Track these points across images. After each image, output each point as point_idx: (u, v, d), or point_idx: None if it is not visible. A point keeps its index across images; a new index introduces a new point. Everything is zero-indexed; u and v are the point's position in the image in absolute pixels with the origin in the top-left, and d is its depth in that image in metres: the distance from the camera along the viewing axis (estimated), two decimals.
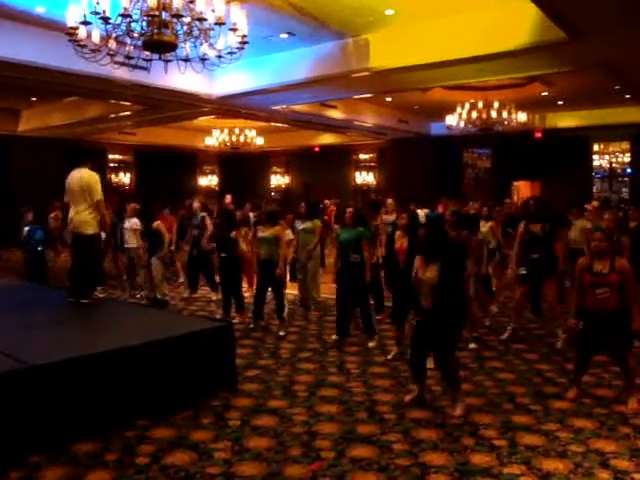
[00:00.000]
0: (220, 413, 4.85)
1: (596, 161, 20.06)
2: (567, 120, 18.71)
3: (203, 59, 7.18)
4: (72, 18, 6.76)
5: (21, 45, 9.54)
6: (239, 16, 6.90)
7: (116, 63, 10.25)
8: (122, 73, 10.71)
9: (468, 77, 11.60)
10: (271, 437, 4.41)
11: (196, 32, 6.94)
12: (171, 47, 7.07)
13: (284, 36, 10.41)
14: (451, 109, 16.18)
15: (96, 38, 7.13)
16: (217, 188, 25.72)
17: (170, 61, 7.49)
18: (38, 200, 16.01)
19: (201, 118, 18.22)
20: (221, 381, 5.04)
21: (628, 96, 15.62)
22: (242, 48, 7.05)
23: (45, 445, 4.05)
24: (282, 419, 4.74)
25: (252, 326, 7.86)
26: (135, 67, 10.55)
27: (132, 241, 10.11)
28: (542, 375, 5.88)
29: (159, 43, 6.93)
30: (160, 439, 4.35)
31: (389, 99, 16.66)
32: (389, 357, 6.47)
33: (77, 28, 6.76)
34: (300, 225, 9.34)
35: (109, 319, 5.87)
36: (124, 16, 6.38)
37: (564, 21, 7.87)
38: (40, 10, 9.12)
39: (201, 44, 7.05)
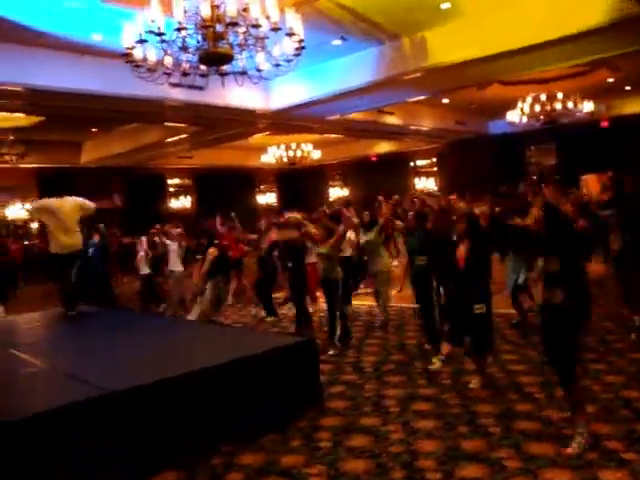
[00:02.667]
0: (309, 434, 4.50)
1: None
2: (635, 105, 17.76)
3: (259, 70, 6.98)
4: (128, 38, 6.69)
5: (80, 75, 9.66)
6: (294, 20, 6.69)
7: (172, 85, 10.64)
8: (178, 94, 10.83)
9: (532, 67, 11.08)
10: (368, 458, 4.03)
11: (251, 41, 6.82)
12: (227, 59, 6.92)
13: (337, 42, 10.19)
14: (511, 105, 15.62)
15: (152, 57, 7.06)
16: (276, 205, 25.69)
17: (226, 74, 7.35)
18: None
19: (256, 136, 18.25)
20: (307, 400, 4.71)
21: None
22: (299, 54, 6.84)
23: (128, 477, 3.81)
24: (377, 438, 4.36)
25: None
26: (190, 87, 10.81)
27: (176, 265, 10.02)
28: None
29: (215, 56, 6.80)
30: (248, 466, 4.04)
31: (446, 100, 16.21)
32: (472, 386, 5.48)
33: (133, 48, 6.66)
34: (363, 237, 8.73)
35: (184, 339, 5.66)
36: (179, 30, 6.22)
37: None
38: (97, 38, 9.17)
39: (257, 53, 6.91)
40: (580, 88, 15.12)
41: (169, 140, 16.53)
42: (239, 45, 6.82)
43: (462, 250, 5.28)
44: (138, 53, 6.86)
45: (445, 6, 9.02)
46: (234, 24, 6.18)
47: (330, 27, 9.41)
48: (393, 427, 4.54)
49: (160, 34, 6.45)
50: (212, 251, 8.11)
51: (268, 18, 6.46)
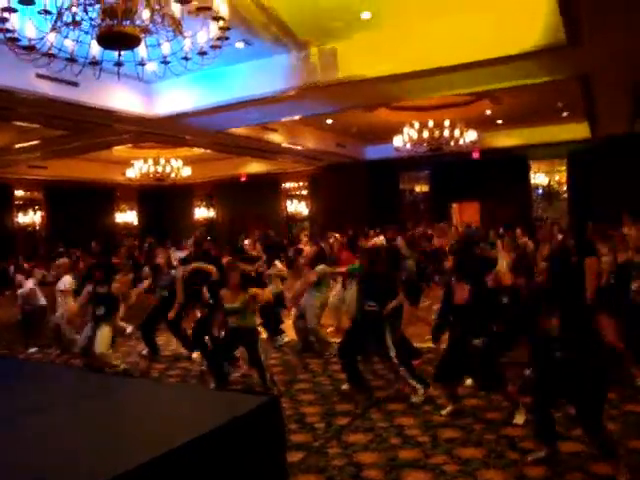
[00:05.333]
0: None
1: (534, 179, 19.83)
2: (505, 139, 18.35)
3: (186, 58, 5.79)
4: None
5: None
6: (221, 3, 5.59)
7: (39, 76, 8.98)
8: (46, 87, 9.16)
9: (439, 89, 10.72)
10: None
11: (165, 23, 5.63)
12: (133, 42, 5.67)
13: (240, 45, 9.12)
14: (395, 130, 15.39)
15: (31, 32, 5.62)
16: (137, 225, 23.71)
17: (121, 65, 6.07)
18: None
19: (119, 148, 16.60)
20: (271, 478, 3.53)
21: (566, 114, 15.50)
22: (219, 45, 5.77)
23: None
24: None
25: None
26: (63, 81, 9.20)
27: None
28: None
29: (119, 36, 5.52)
30: None
31: (330, 121, 15.65)
32: (444, 413, 5.25)
33: (11, 11, 5.19)
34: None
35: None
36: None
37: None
38: None
39: (174, 37, 5.71)
40: (458, 118, 15.24)
41: (20, 146, 14.36)
42: (143, 29, 5.67)
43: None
44: (14, 24, 5.40)
45: (365, 15, 8.31)
46: None
47: (234, 28, 8.34)
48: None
49: (29, 1, 5.10)
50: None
51: None
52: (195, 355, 8.07)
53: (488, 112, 15.53)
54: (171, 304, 8.14)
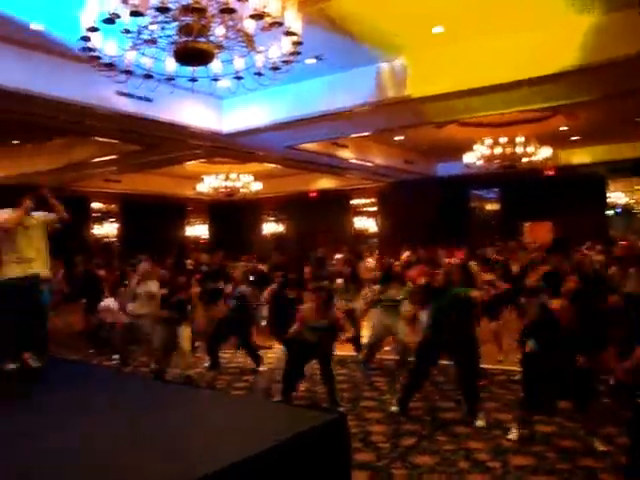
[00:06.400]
0: None
1: (611, 198, 19.07)
2: (580, 156, 17.75)
3: (259, 74, 5.87)
4: (86, 21, 5.42)
5: (11, 69, 8.12)
6: (294, 19, 5.63)
7: (120, 94, 9.31)
8: (125, 104, 9.49)
9: (512, 105, 10.43)
10: None
11: (238, 39, 5.71)
12: (207, 58, 5.79)
13: (310, 61, 9.18)
14: (465, 147, 15.14)
15: (112, 51, 5.82)
16: (207, 239, 24.20)
17: (195, 80, 6.20)
18: None
19: (191, 163, 16.94)
20: None
21: None
22: (299, 53, 5.83)
23: None
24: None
25: None
26: (139, 98, 9.51)
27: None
28: None
29: (194, 52, 5.64)
30: None
31: (399, 137, 15.56)
32: (511, 437, 5.05)
33: (94, 30, 5.38)
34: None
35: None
36: (162, 10, 5.00)
37: None
38: (36, 27, 7.73)
39: (248, 53, 5.80)
40: (534, 134, 14.85)
41: (98, 160, 14.90)
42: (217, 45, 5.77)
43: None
44: (97, 39, 5.61)
45: (437, 30, 8.22)
46: (230, 10, 5.02)
47: (306, 44, 8.40)
48: None
49: (111, 21, 5.25)
50: None
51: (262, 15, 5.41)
52: (262, 368, 8.08)
53: (563, 128, 15.07)
54: (240, 319, 8.23)
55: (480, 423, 5.47)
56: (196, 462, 2.88)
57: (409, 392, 5.98)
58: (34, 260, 5.16)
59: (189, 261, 14.17)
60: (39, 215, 5.49)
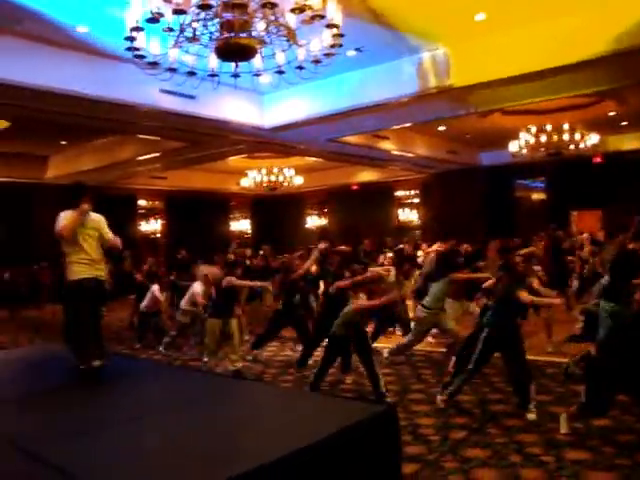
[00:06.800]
0: None
1: None
2: (630, 142, 17.18)
3: (300, 67, 5.87)
4: (130, 21, 5.50)
5: (59, 72, 8.33)
6: (335, 11, 5.61)
7: (163, 91, 9.43)
8: (168, 102, 9.61)
9: (560, 92, 10.17)
10: None
11: (280, 33, 5.72)
12: (250, 53, 5.81)
13: (351, 53, 9.13)
14: (508, 135, 14.85)
15: (155, 50, 5.90)
16: (250, 233, 24.42)
17: (238, 76, 6.23)
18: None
19: (233, 158, 17.04)
20: None
21: None
22: (340, 45, 5.81)
23: None
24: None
25: None
26: (182, 95, 9.62)
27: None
28: None
29: (236, 48, 5.67)
30: None
31: (442, 128, 15.37)
32: (563, 431, 4.94)
33: (138, 30, 5.46)
34: None
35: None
36: (203, 7, 5.04)
37: None
38: (81, 30, 7.89)
39: (289, 47, 5.80)
40: (581, 120, 14.48)
41: (143, 158, 15.16)
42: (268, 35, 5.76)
43: None
44: (141, 39, 5.69)
45: (480, 17, 8.08)
46: (271, 5, 5.03)
47: (347, 36, 8.35)
48: None
49: (155, 20, 5.32)
50: None
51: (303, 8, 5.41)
52: (311, 361, 8.11)
53: (611, 113, 14.63)
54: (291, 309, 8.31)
55: (531, 416, 5.37)
56: (247, 455, 2.91)
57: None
58: (99, 261, 5.20)
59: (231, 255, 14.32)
60: (96, 219, 5.28)
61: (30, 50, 8.01)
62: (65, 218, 5.02)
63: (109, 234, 5.27)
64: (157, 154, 14.73)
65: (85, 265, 5.02)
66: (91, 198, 5.20)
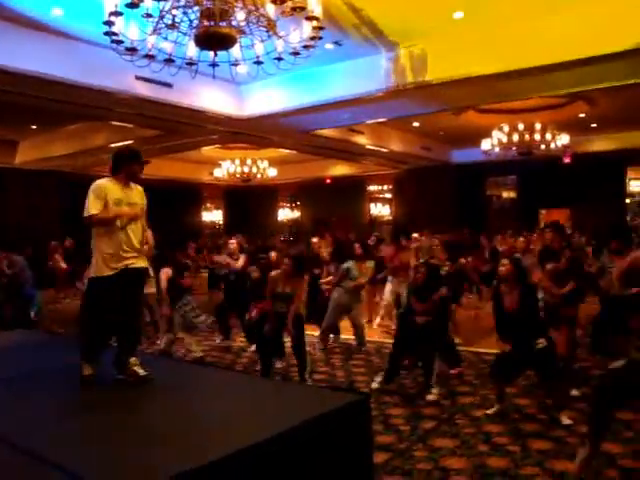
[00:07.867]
0: None
1: (630, 187, 18.86)
2: (599, 143, 17.56)
3: (279, 58, 5.89)
4: (111, 4, 5.45)
5: (32, 55, 8.17)
6: (315, 3, 5.63)
7: (139, 78, 9.33)
8: (143, 89, 9.52)
9: (539, 90, 10.31)
10: None
11: (260, 23, 5.72)
12: (229, 42, 5.79)
13: (329, 47, 9.15)
14: (483, 133, 15.05)
15: (134, 35, 5.85)
16: (222, 224, 24.30)
17: (216, 65, 6.20)
18: (34, 237, 14.65)
19: (207, 148, 16.94)
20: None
21: None
22: (320, 38, 5.84)
23: None
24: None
25: None
26: (159, 83, 9.53)
27: None
28: None
29: (216, 36, 5.66)
30: None
31: (416, 124, 15.50)
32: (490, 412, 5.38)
33: (117, 14, 5.41)
34: None
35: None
36: None
37: None
38: (56, 13, 7.77)
39: (268, 37, 5.81)
40: (552, 121, 14.72)
41: (115, 145, 14.94)
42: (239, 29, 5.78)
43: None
44: (120, 23, 5.64)
45: (458, 15, 8.17)
46: None
47: (326, 29, 8.36)
48: None
49: (134, 5, 5.31)
50: None
51: None
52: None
53: (582, 115, 14.91)
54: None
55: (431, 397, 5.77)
56: (218, 442, 2.92)
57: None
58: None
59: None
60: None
61: (1, 31, 7.87)
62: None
63: None
64: (130, 142, 14.54)
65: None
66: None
